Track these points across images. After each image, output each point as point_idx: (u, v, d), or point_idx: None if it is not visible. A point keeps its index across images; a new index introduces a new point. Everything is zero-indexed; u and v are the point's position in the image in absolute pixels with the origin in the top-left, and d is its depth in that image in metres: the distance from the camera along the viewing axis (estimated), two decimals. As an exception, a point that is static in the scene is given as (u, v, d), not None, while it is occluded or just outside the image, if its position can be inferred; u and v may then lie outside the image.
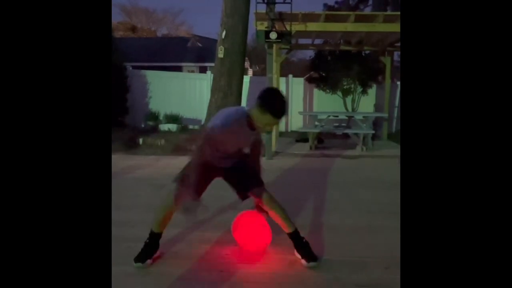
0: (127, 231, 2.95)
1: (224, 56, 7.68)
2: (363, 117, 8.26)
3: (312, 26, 6.78)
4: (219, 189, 2.66)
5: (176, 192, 2.39)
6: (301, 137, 8.28)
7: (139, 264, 2.39)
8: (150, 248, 2.47)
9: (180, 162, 6.59)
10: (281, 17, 6.45)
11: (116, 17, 32.17)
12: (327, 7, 21.07)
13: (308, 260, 2.43)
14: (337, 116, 8.68)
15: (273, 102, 2.16)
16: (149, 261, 2.42)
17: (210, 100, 8.06)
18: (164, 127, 9.55)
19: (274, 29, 6.20)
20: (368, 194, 4.28)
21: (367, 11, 19.50)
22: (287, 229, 2.49)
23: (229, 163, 2.49)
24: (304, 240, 2.50)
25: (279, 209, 2.46)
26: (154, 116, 10.08)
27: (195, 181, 2.26)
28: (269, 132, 2.26)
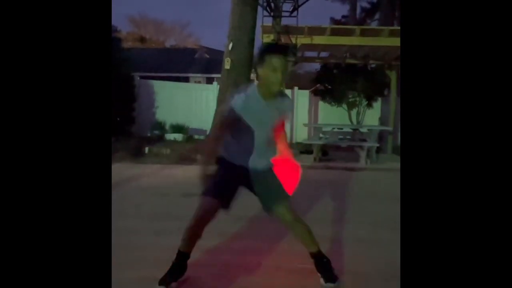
0: (131, 238, 2.98)
1: (230, 67, 7.77)
2: (368, 130, 8.28)
3: (318, 40, 6.87)
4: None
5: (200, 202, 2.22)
6: (306, 149, 8.31)
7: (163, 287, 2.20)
8: (176, 270, 2.28)
9: (184, 171, 6.57)
10: (287, 30, 6.55)
11: (125, 28, 32.54)
12: (334, 21, 21.20)
13: (325, 280, 2.31)
14: (341, 129, 8.71)
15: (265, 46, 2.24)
16: (174, 284, 2.23)
17: (216, 111, 8.14)
18: (170, 136, 9.63)
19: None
20: (371, 206, 4.29)
21: (374, 25, 19.58)
22: (310, 249, 2.36)
23: (246, 157, 2.28)
24: (324, 260, 2.36)
25: (301, 228, 2.36)
26: (160, 126, 10.17)
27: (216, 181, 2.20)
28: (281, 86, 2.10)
